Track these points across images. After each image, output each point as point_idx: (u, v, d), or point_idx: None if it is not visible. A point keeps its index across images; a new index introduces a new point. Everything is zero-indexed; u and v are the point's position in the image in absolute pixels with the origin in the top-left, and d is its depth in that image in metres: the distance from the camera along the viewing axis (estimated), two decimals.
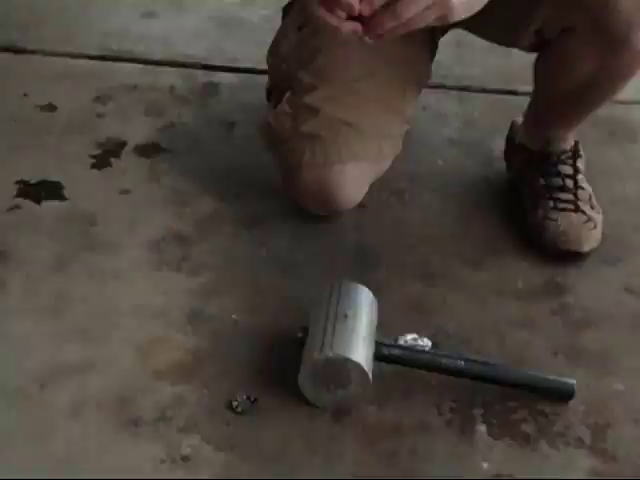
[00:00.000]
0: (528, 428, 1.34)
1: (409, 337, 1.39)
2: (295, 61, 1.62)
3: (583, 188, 1.69)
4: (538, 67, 1.66)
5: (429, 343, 1.39)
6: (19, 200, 1.70)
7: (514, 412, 1.36)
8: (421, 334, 1.40)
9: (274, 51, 1.69)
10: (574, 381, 1.37)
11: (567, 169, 1.70)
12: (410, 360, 1.37)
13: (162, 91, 2.07)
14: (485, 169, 1.88)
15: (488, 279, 1.61)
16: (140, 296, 1.52)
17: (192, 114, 2.00)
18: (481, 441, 1.31)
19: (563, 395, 1.37)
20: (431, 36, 1.66)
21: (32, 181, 1.74)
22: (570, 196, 1.67)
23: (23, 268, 1.55)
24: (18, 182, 1.74)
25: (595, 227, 1.65)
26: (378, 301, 1.44)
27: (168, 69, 2.15)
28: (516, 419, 1.35)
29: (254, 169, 1.82)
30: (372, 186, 1.68)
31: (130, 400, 1.33)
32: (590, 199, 1.69)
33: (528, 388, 1.37)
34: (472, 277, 1.61)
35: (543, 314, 1.54)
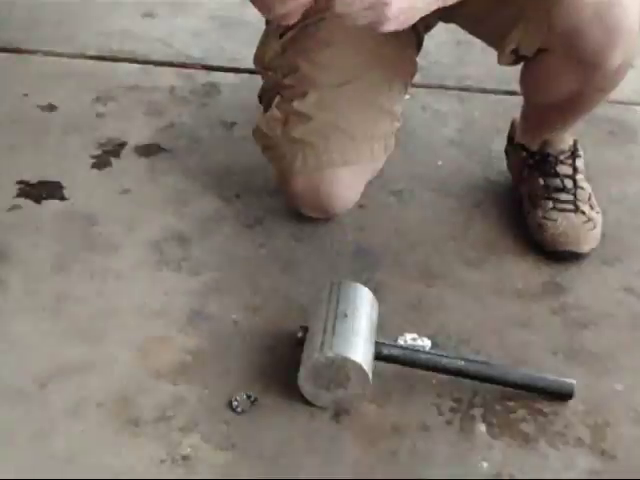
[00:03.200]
0: (528, 428, 1.34)
1: (409, 337, 1.39)
2: (280, 69, 1.63)
3: (582, 188, 1.69)
4: (522, 81, 1.67)
5: (429, 343, 1.39)
6: (19, 200, 1.70)
7: (514, 412, 1.36)
8: (421, 334, 1.40)
9: (259, 60, 1.70)
10: (574, 381, 1.37)
11: (566, 169, 1.70)
12: (410, 360, 1.37)
13: (162, 91, 2.07)
14: (485, 169, 1.88)
15: (488, 279, 1.61)
16: (140, 296, 1.52)
17: (192, 114, 2.00)
18: (481, 441, 1.31)
19: (563, 395, 1.37)
20: (416, 31, 1.66)
21: (32, 181, 1.75)
22: (569, 196, 1.67)
23: (23, 268, 1.55)
24: (18, 182, 1.74)
25: (595, 227, 1.65)
26: (378, 301, 1.44)
27: (168, 69, 2.16)
28: (516, 419, 1.35)
29: (254, 169, 1.82)
30: (372, 186, 1.69)
31: (130, 400, 1.33)
32: (590, 199, 1.69)
33: (528, 388, 1.37)
34: (472, 277, 1.61)
35: (543, 314, 1.54)
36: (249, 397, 1.34)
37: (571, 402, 1.37)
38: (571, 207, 1.66)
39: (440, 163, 1.90)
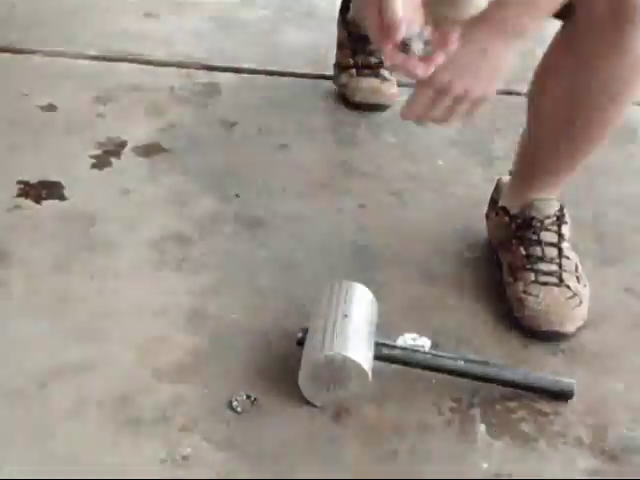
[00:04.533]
0: (528, 428, 1.34)
1: (409, 337, 1.39)
2: None
3: (568, 258, 1.53)
4: (531, 99, 1.55)
5: (429, 343, 1.39)
6: (19, 200, 1.70)
7: (514, 412, 1.36)
8: (421, 334, 1.40)
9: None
10: (574, 381, 1.37)
11: (551, 236, 1.54)
12: (410, 360, 1.37)
13: (162, 91, 2.07)
14: (485, 169, 1.88)
15: (488, 279, 1.60)
16: (140, 296, 1.52)
17: (192, 114, 2.00)
18: (481, 441, 1.31)
19: (563, 395, 1.37)
20: None
21: (32, 181, 1.75)
22: (553, 267, 1.51)
23: (23, 268, 1.55)
24: (18, 182, 1.74)
25: (580, 303, 1.49)
26: (378, 301, 1.44)
27: (168, 69, 2.16)
28: (516, 419, 1.35)
29: (254, 169, 1.83)
30: (372, 186, 1.69)
31: (130, 400, 1.33)
32: (576, 270, 1.53)
33: (528, 388, 1.37)
34: (472, 277, 1.61)
35: None
36: (249, 397, 1.34)
37: (571, 402, 1.37)
38: (555, 280, 1.49)
39: (440, 163, 1.90)
